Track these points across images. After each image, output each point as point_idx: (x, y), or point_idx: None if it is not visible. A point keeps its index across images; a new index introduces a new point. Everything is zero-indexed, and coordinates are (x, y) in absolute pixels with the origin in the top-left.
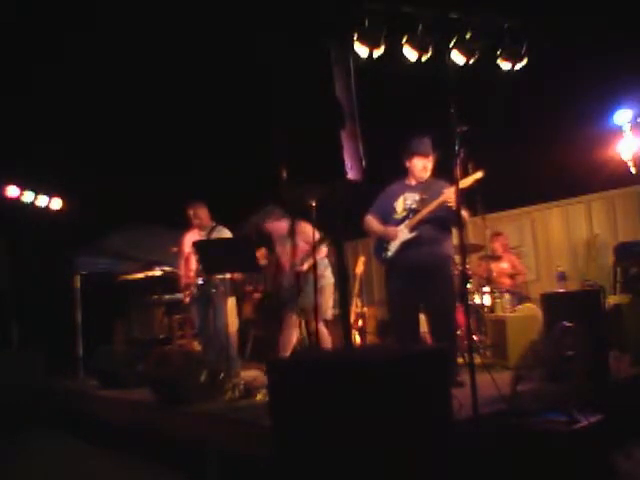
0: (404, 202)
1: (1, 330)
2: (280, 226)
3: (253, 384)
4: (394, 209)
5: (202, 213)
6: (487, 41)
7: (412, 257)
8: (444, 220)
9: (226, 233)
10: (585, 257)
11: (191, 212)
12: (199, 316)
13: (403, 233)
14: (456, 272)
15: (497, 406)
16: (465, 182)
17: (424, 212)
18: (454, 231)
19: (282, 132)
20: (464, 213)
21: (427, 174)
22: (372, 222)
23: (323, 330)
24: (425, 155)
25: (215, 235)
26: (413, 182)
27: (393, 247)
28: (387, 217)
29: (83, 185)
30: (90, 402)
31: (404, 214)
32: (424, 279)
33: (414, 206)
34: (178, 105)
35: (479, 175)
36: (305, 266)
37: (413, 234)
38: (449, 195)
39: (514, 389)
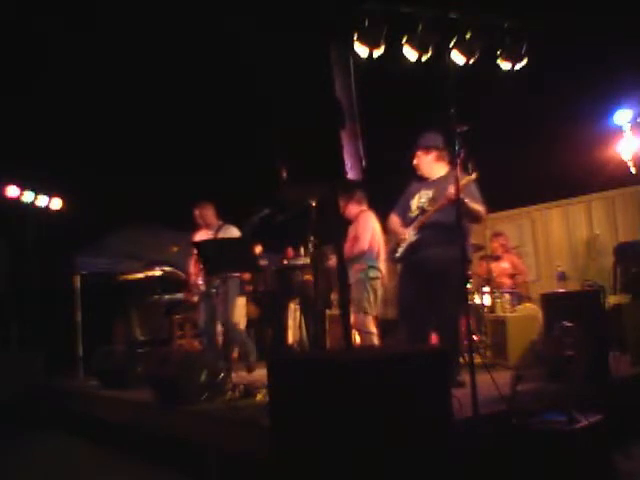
0: (419, 200)
1: (1, 330)
2: (351, 209)
3: (253, 384)
4: (410, 207)
5: (208, 213)
6: (487, 41)
7: (417, 259)
8: (453, 221)
9: (233, 232)
10: (585, 257)
11: (197, 213)
12: (206, 314)
13: (410, 235)
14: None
15: (497, 406)
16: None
17: (430, 213)
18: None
19: (282, 132)
20: (480, 208)
21: (431, 169)
22: (393, 222)
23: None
24: (424, 149)
25: (222, 234)
26: (429, 179)
27: (401, 249)
28: (405, 215)
29: (83, 185)
30: (90, 402)
31: (416, 213)
32: (428, 282)
33: (425, 205)
34: (178, 105)
35: (473, 177)
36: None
37: (417, 236)
38: (452, 194)
39: (514, 389)
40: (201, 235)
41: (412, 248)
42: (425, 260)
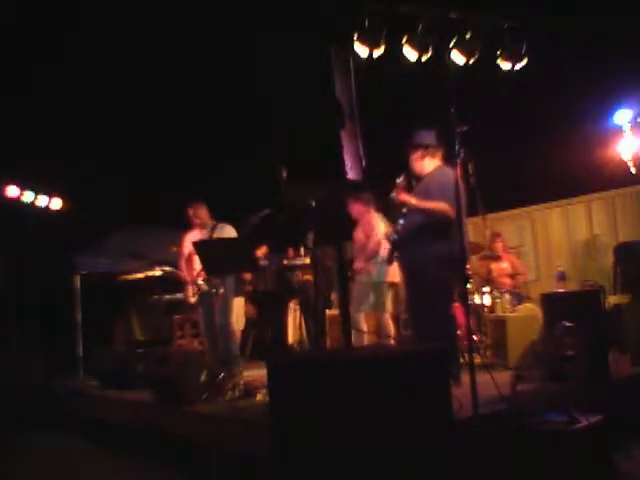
0: None
1: (1, 330)
2: (356, 208)
3: (253, 384)
4: None
5: (201, 212)
6: (487, 41)
7: (399, 261)
8: (421, 222)
9: (228, 230)
10: (585, 257)
11: (191, 212)
12: (205, 315)
13: (391, 237)
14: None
15: (497, 406)
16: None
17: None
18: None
19: (282, 132)
20: (434, 205)
21: (420, 167)
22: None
23: (389, 323)
24: (411, 148)
25: (217, 233)
26: (420, 177)
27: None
28: None
29: (83, 185)
30: (90, 402)
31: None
32: (406, 282)
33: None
34: (178, 105)
35: (401, 180)
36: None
37: (393, 237)
38: (394, 196)
39: (514, 389)
40: (195, 235)
41: (391, 250)
42: (401, 262)
